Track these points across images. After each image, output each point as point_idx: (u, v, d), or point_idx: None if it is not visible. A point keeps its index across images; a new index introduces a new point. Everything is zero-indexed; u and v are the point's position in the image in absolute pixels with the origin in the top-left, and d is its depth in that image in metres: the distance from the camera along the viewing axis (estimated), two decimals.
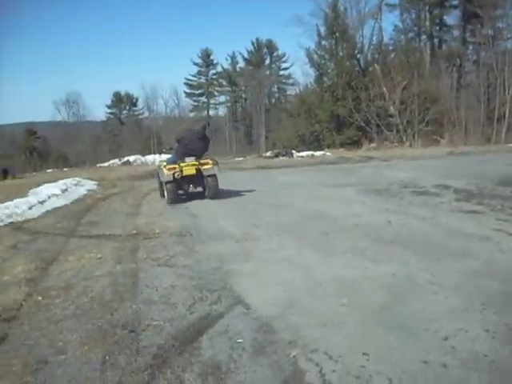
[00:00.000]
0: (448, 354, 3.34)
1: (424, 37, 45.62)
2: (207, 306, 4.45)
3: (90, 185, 16.01)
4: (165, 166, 11.60)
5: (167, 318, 4.18)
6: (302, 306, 4.35)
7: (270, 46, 62.56)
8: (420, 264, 5.38)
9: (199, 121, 45.36)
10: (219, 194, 11.82)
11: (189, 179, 11.58)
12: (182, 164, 11.35)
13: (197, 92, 65.91)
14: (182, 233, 7.80)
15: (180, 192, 11.84)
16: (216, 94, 66.26)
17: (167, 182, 11.37)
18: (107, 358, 3.53)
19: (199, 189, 12.06)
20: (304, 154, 30.26)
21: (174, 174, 11.20)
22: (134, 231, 8.06)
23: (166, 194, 11.68)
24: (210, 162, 11.54)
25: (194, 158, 11.47)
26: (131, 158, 32.20)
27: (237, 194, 12.60)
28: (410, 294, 4.49)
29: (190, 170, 11.34)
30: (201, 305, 4.47)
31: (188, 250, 6.66)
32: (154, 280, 5.29)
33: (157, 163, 16.03)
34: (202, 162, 11.50)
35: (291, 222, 8.25)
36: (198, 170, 11.41)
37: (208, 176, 11.52)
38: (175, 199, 11.41)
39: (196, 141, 11.81)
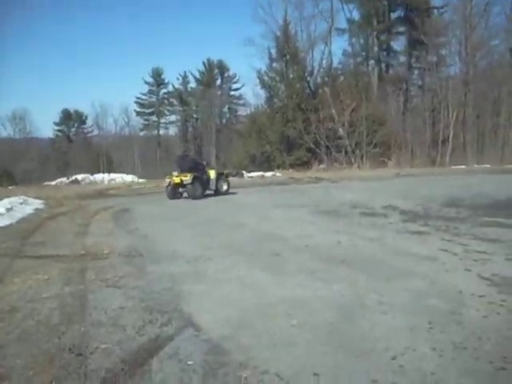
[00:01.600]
0: (396, 372, 3.40)
1: (372, 61, 46.89)
2: (157, 328, 4.39)
3: (37, 204, 15.57)
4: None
5: (116, 341, 4.10)
6: (254, 326, 4.35)
7: (221, 67, 62.80)
8: (368, 284, 5.48)
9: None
10: (198, 197, 16.71)
11: (178, 185, 17.07)
12: (173, 176, 17.18)
13: (147, 111, 65.37)
14: (132, 253, 7.67)
15: (181, 191, 17.33)
16: (167, 113, 65.89)
17: (166, 186, 17.46)
18: (53, 383, 3.43)
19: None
20: (254, 174, 30.32)
21: (169, 181, 17.22)
22: (83, 251, 7.88)
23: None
24: (188, 175, 16.61)
25: (177, 172, 17.13)
26: (79, 177, 31.53)
27: (187, 214, 12.55)
28: (359, 313, 4.56)
29: (176, 180, 16.96)
30: (151, 327, 4.41)
31: (138, 270, 6.56)
32: (102, 302, 5.17)
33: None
34: (183, 174, 16.74)
35: (243, 243, 8.26)
36: (181, 180, 16.76)
37: (186, 184, 16.73)
38: (171, 197, 17.15)
39: (180, 161, 17.89)
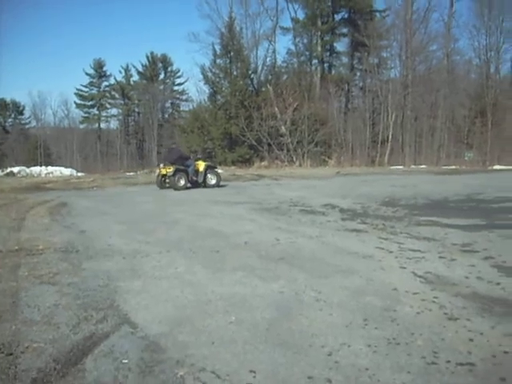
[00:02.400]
0: (332, 368, 3.45)
1: (315, 61, 47.39)
2: (92, 325, 4.30)
3: None
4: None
5: (49, 339, 3.99)
6: (192, 323, 4.33)
7: (165, 61, 62.28)
8: (307, 281, 5.53)
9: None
10: (180, 188, 17.79)
11: (164, 176, 18.31)
12: (160, 167, 18.66)
13: (88, 103, 64.06)
14: (68, 249, 7.49)
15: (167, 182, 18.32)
16: (108, 106, 64.75)
17: (157, 176, 19.06)
18: None
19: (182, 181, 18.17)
20: None
21: (158, 172, 18.85)
22: (16, 247, 7.62)
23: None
24: (171, 167, 17.86)
25: (163, 164, 18.56)
26: (15, 170, 30.55)
27: (127, 210, 12.37)
28: (297, 310, 4.60)
29: (162, 171, 18.28)
30: (85, 324, 4.32)
31: (74, 267, 6.40)
32: (35, 299, 5.02)
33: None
34: (167, 167, 17.98)
35: (182, 239, 8.20)
36: (166, 172, 18.05)
37: (169, 176, 17.99)
38: (159, 187, 18.42)
39: (167, 154, 19.96)
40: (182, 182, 18.06)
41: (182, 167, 18.18)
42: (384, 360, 3.57)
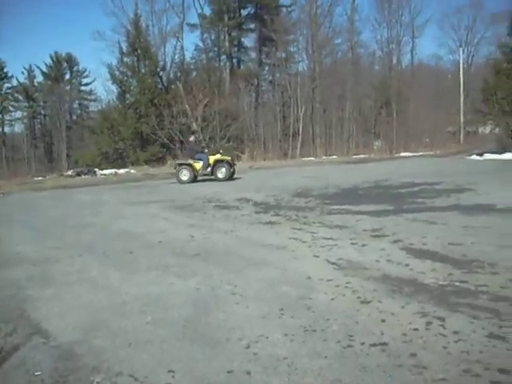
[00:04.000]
0: (251, 360, 3.47)
1: (224, 57, 47.39)
2: (1, 338, 4.12)
3: None
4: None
5: None
6: (107, 327, 4.24)
7: (70, 61, 60.17)
8: (222, 276, 5.53)
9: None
10: (185, 182, 18.73)
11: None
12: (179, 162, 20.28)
13: None
14: None
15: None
16: (11, 109, 61.58)
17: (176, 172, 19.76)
18: None
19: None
20: (107, 172, 29.55)
21: (176, 167, 19.89)
22: None
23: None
24: (181, 161, 19.93)
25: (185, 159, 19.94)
26: None
27: (35, 215, 11.92)
28: (214, 305, 4.60)
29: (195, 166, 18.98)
30: None
31: None
32: None
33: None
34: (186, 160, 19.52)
35: (94, 242, 7.99)
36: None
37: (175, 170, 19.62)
38: (180, 182, 18.99)
39: (185, 149, 22.14)
40: (189, 176, 18.90)
41: (185, 162, 19.47)
42: (301, 348, 3.63)
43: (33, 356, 3.76)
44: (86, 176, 27.71)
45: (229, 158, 19.75)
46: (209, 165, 18.99)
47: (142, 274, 5.87)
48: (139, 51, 39.26)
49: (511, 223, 7.73)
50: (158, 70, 40.74)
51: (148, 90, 37.78)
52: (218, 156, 19.48)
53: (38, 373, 3.48)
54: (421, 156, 32.36)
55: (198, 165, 19.07)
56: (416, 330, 3.82)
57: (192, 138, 21.42)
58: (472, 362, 3.27)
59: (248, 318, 4.27)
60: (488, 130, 39.53)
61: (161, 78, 41.18)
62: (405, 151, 37.60)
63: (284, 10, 48.07)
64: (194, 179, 18.95)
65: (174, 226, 9.23)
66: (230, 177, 19.33)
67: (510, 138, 27.68)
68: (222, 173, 19.13)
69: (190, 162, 19.18)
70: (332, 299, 4.60)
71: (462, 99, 44.91)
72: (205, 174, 19.09)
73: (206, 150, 20.15)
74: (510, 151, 24.05)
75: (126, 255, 6.94)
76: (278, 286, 5.08)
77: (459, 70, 46.53)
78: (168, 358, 3.58)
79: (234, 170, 19.81)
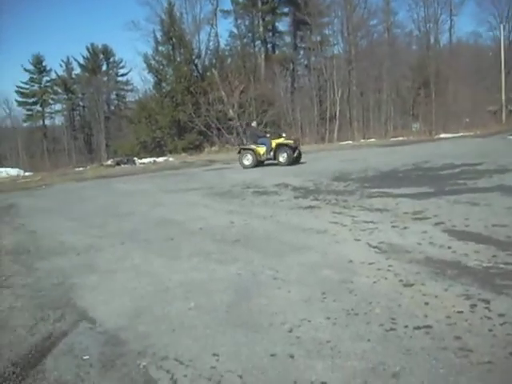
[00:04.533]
0: (294, 344, 3.49)
1: (258, 42, 47.33)
2: (50, 325, 4.23)
3: None
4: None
5: (5, 344, 3.91)
6: (151, 313, 4.30)
7: (106, 52, 60.82)
8: (263, 261, 5.55)
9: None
10: (248, 167, 18.68)
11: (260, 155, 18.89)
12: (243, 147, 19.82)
13: (30, 100, 61.82)
14: (19, 250, 7.32)
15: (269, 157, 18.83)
16: (51, 102, 62.60)
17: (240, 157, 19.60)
18: None
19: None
20: (146, 160, 29.79)
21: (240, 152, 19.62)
22: None
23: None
24: (245, 147, 19.68)
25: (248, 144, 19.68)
26: None
27: (77, 206, 12.14)
28: (255, 291, 4.62)
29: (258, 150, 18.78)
30: (43, 325, 4.25)
31: (26, 268, 6.26)
32: None
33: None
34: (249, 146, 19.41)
35: (136, 230, 8.10)
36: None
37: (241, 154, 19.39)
38: (244, 167, 18.86)
39: (248, 134, 21.10)
40: (251, 160, 18.80)
41: (247, 147, 19.34)
42: (344, 331, 3.63)
43: (80, 341, 3.85)
44: (126, 165, 27.99)
45: (291, 142, 18.99)
46: (271, 149, 18.62)
47: (183, 260, 5.94)
48: (174, 40, 39.48)
49: None
50: (193, 57, 40.89)
51: (184, 78, 37.98)
52: (281, 140, 18.95)
53: (87, 357, 3.57)
54: (461, 137, 31.66)
55: (262, 149, 18.77)
56: (460, 312, 3.77)
57: (254, 124, 21.58)
58: None
59: (290, 302, 4.28)
60: None
61: (196, 65, 41.32)
62: (444, 132, 36.78)
63: None
64: (256, 164, 18.69)
65: (213, 212, 9.28)
66: (295, 161, 18.67)
67: None
68: (283, 157, 18.41)
69: (253, 146, 18.97)
70: (374, 282, 4.58)
71: (503, 77, 43.58)
72: (268, 159, 18.79)
73: (268, 135, 19.83)
74: None
75: (168, 242, 7.02)
76: (320, 270, 5.07)
77: (500, 47, 45.19)
78: (212, 343, 3.62)
79: (299, 154, 19.17)
